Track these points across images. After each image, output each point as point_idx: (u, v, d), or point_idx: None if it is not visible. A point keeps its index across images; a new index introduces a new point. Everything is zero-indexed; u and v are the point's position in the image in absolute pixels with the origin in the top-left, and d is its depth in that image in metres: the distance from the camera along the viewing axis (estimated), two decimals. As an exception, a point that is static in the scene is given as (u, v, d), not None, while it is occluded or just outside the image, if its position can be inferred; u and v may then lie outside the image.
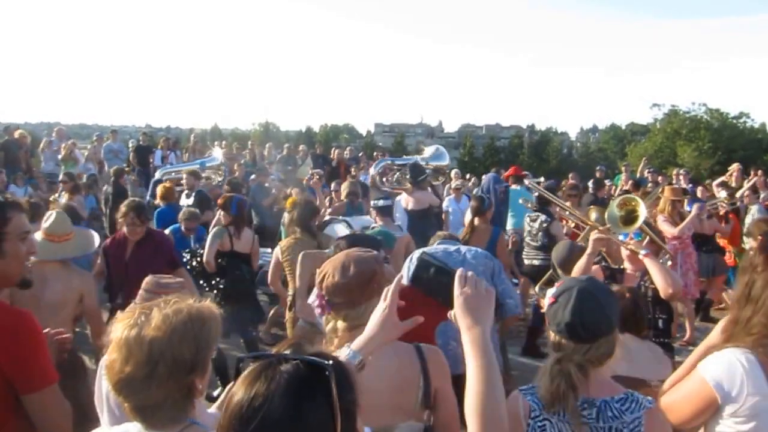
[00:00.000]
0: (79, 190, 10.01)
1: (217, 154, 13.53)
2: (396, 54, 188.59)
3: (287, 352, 1.35)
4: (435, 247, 4.51)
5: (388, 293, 1.93)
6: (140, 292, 3.04)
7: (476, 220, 6.46)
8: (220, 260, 6.10)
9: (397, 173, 10.98)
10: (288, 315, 5.39)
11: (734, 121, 43.94)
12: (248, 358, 1.28)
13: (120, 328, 1.64)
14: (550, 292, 2.18)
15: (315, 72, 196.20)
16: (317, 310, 2.21)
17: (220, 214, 6.58)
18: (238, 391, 1.20)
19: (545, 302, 2.21)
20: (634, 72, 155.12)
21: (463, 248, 4.47)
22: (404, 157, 13.17)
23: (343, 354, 1.80)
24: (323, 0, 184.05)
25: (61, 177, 8.56)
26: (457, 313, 1.82)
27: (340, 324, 2.18)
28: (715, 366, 2.17)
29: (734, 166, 14.34)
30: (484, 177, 11.18)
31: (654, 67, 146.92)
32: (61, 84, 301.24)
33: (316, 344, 1.96)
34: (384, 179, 10.79)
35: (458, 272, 1.87)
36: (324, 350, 1.41)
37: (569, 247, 4.95)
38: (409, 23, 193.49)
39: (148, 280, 3.09)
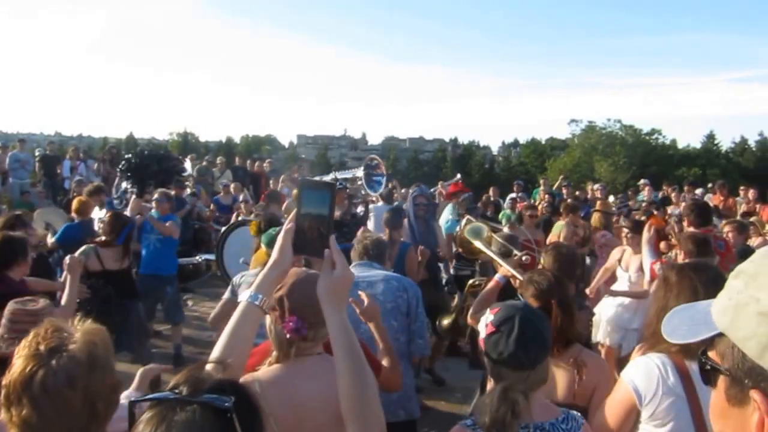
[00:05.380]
0: None
1: (187, 165, 12.96)
2: (319, 65, 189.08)
3: (183, 388, 1.15)
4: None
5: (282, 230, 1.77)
6: (4, 321, 2.77)
7: (392, 233, 6.33)
8: (89, 280, 5.70)
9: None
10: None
11: (647, 137, 45.94)
12: (140, 402, 1.17)
13: (12, 372, 1.51)
14: (488, 318, 2.18)
15: (236, 82, 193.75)
16: (290, 335, 2.10)
17: (99, 227, 6.21)
18: None
19: (481, 328, 2.20)
20: (553, 87, 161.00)
21: (379, 277, 3.97)
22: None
23: (244, 296, 1.71)
24: (243, 10, 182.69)
25: None
26: (325, 294, 1.65)
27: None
28: (634, 370, 2.25)
29: (642, 182, 15.04)
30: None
31: (572, 83, 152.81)
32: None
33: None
34: None
35: (326, 252, 1.68)
36: (226, 378, 1.25)
37: None
38: (332, 35, 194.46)
39: (12, 308, 2.80)
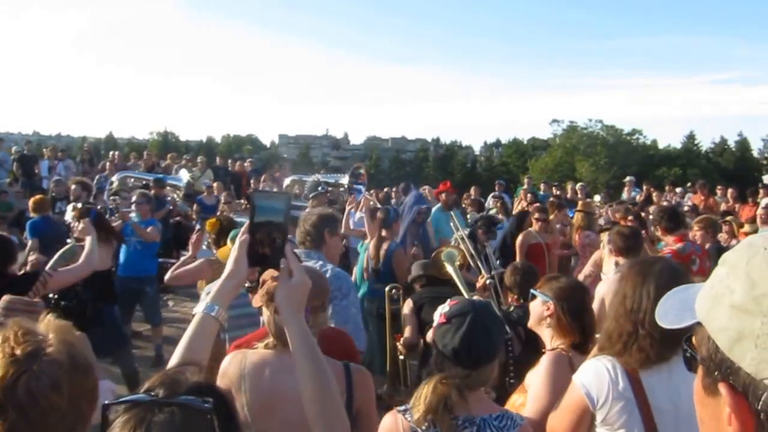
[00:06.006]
0: None
1: (183, 175, 13.36)
2: (301, 65, 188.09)
3: (160, 391, 1.12)
4: None
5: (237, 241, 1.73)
6: None
7: (382, 232, 6.29)
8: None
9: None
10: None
11: (628, 137, 46.29)
12: (115, 405, 1.12)
13: None
14: (444, 308, 2.20)
15: (217, 81, 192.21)
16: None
17: (73, 225, 6.16)
18: None
19: (436, 317, 2.22)
20: (536, 88, 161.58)
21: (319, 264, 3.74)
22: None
23: (200, 308, 1.69)
24: (225, 10, 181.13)
25: None
26: (284, 301, 1.68)
27: None
28: (585, 374, 2.23)
29: (627, 179, 15.17)
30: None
31: (555, 84, 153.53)
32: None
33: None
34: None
35: (282, 261, 1.69)
36: (203, 380, 1.23)
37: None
38: (313, 35, 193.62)
39: (8, 297, 2.84)
